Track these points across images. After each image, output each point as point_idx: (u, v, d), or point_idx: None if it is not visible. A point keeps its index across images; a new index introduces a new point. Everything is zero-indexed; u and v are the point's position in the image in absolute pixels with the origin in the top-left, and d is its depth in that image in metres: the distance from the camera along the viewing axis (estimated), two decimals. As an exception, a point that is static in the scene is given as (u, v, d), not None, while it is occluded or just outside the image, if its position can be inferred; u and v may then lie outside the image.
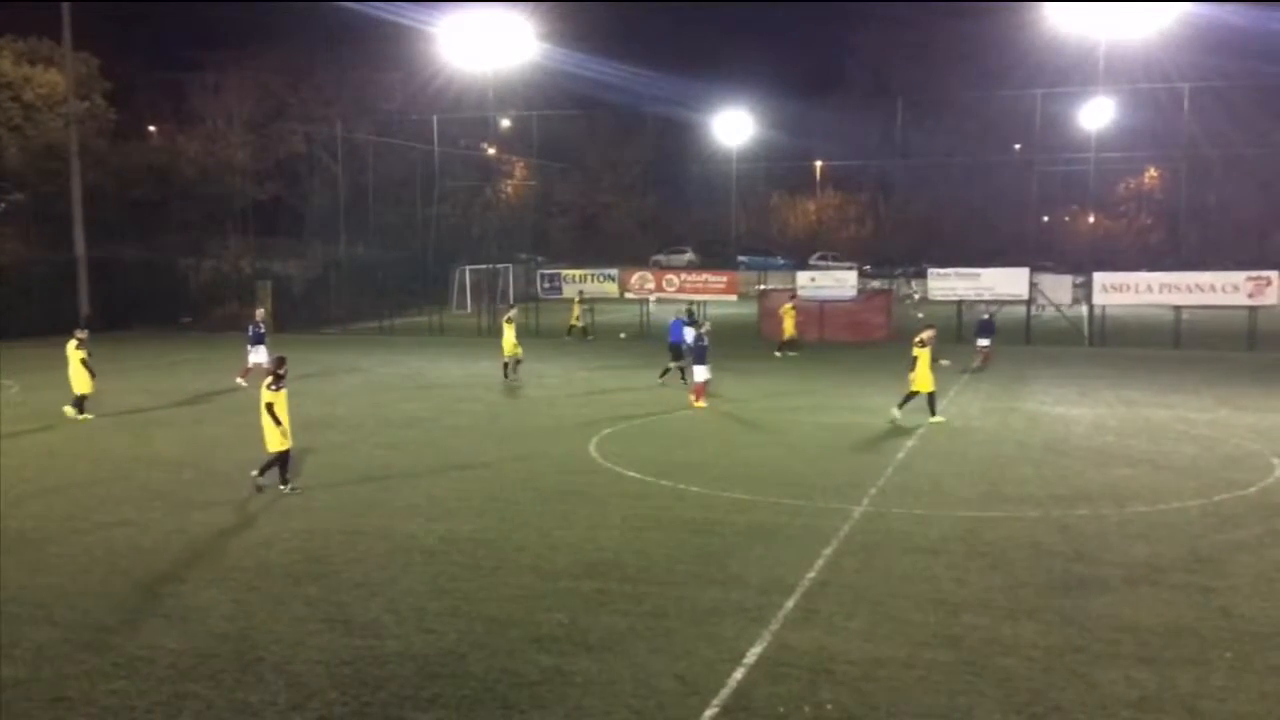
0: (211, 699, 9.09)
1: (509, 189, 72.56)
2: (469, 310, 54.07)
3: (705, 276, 46.54)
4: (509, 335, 29.35)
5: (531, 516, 14.85)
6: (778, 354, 35.47)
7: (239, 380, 28.12)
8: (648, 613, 10.95)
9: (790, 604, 11.18)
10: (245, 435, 21.27)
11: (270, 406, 15.92)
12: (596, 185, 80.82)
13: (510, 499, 15.92)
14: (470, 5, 46.08)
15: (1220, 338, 38.13)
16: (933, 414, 22.05)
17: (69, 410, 23.01)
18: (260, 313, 30.12)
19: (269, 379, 16.22)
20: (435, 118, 52.11)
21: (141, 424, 22.67)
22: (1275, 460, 18.28)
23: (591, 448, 19.65)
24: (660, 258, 71.89)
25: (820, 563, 12.57)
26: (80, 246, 48.10)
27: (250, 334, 28.61)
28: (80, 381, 22.95)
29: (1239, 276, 38.01)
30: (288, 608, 11.20)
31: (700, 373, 24.70)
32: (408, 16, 55.31)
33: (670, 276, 46.57)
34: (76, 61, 51.16)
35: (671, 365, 28.50)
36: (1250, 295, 37.19)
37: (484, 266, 54.82)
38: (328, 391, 27.72)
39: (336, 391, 27.78)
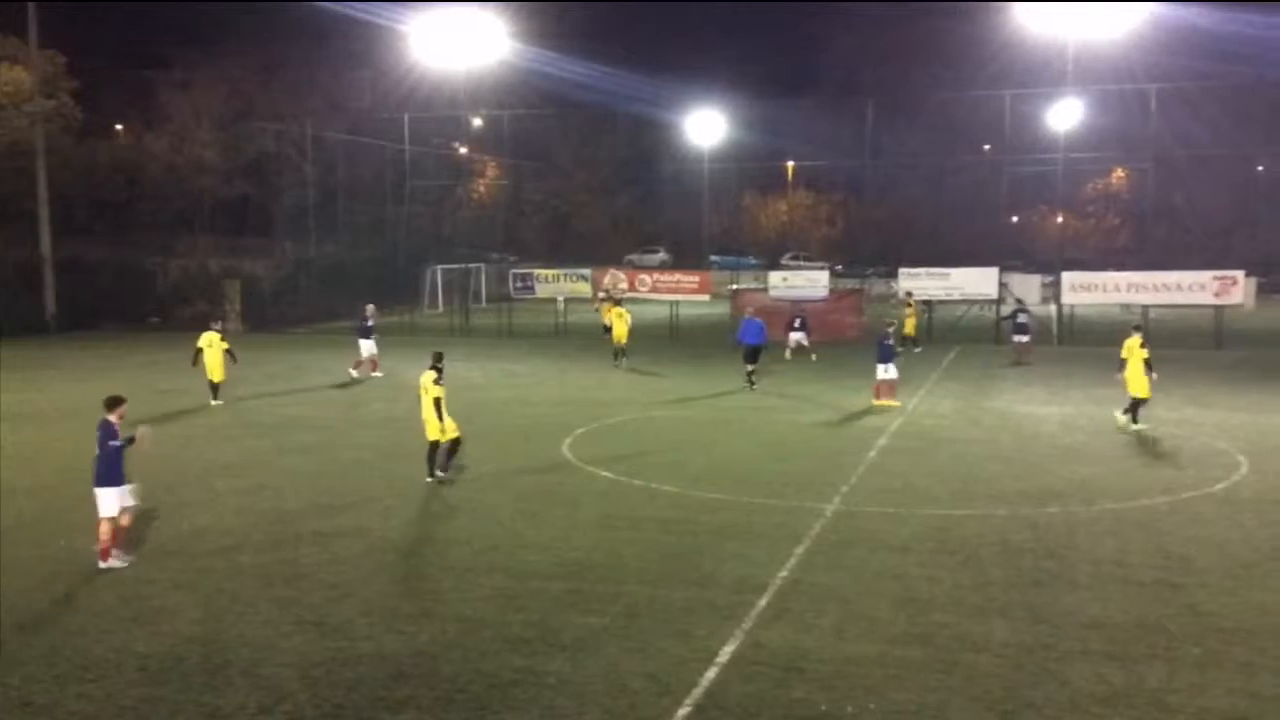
0: (181, 702, 9.02)
1: (481, 188, 72.31)
2: (440, 310, 53.86)
3: (678, 276, 46.52)
4: (619, 325, 32.28)
5: (504, 517, 14.82)
6: (916, 350, 36.13)
7: (352, 372, 29.63)
8: (620, 612, 10.96)
9: (762, 603, 11.21)
10: (215, 435, 21.17)
11: (437, 401, 16.37)
12: (569, 184, 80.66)
13: (483, 499, 15.87)
14: (441, 4, 45.87)
15: (1187, 336, 38.49)
16: (1134, 420, 21.16)
17: (214, 401, 24.79)
18: (370, 308, 30.56)
19: (434, 374, 16.46)
20: (406, 116, 51.87)
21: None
22: (1241, 458, 18.49)
23: (565, 448, 19.63)
24: (633, 257, 71.85)
25: (792, 561, 12.61)
26: (46, 246, 47.56)
27: (359, 328, 30.05)
28: (219, 369, 24.82)
29: (1206, 276, 38.39)
30: (258, 610, 11.13)
31: (889, 371, 24.29)
32: (378, 15, 55.03)
33: (643, 276, 46.54)
34: (42, 59, 50.56)
35: (750, 367, 27.39)
36: (1217, 294, 37.57)
37: (456, 266, 54.62)
38: (299, 392, 27.56)
39: (308, 392, 27.61)
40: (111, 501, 12.49)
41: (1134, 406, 21.10)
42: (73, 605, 11.31)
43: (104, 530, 12.50)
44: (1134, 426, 20.97)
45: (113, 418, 12.83)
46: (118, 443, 12.58)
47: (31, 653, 10.05)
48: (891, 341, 24.77)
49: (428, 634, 10.42)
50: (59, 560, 12.85)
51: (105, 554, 12.51)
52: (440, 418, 16.47)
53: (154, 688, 9.30)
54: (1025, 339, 33.67)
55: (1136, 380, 21.01)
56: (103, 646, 10.19)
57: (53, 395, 26.83)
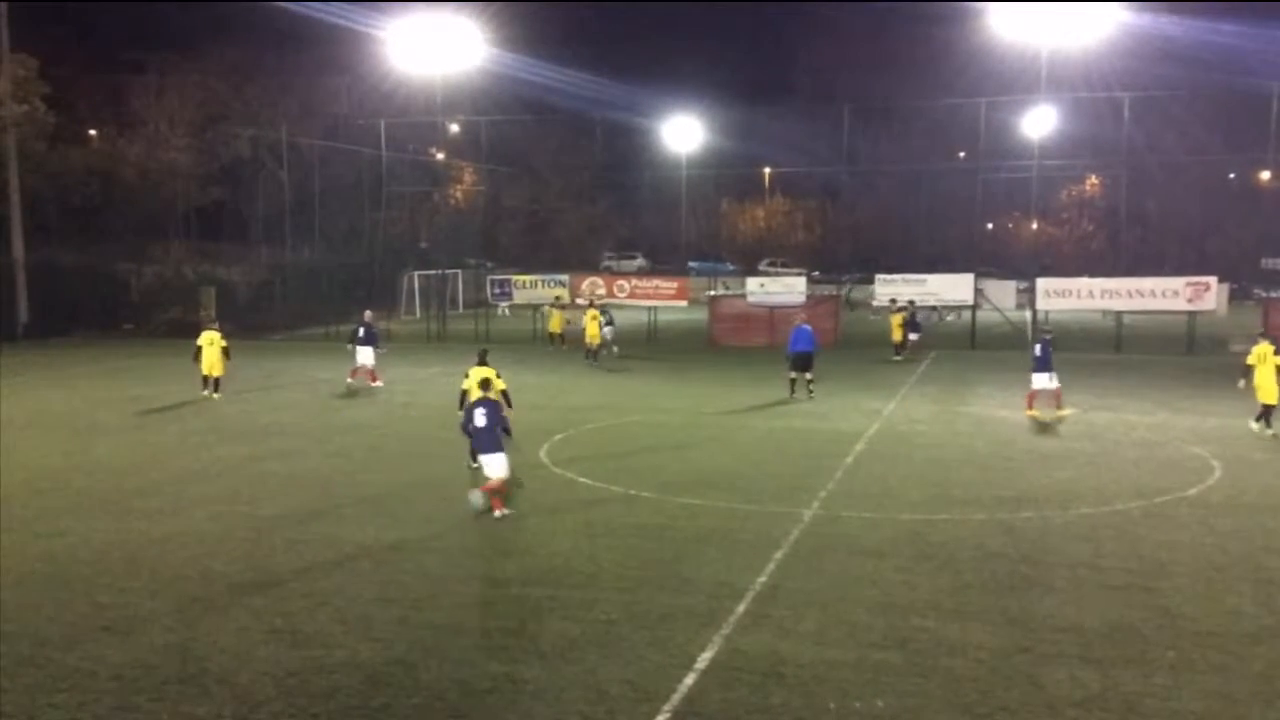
0: (155, 712, 8.93)
1: (458, 194, 72.13)
2: (417, 316, 53.71)
3: (656, 282, 46.61)
4: (593, 327, 35.27)
5: (481, 523, 14.76)
6: (895, 358, 35.47)
7: (374, 383, 28.73)
8: (598, 619, 10.93)
9: (741, 608, 11.21)
10: (188, 442, 21.01)
11: (505, 393, 17.45)
12: (546, 190, 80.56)
13: (459, 505, 15.81)
14: (417, 8, 45.78)
15: (1160, 342, 38.83)
16: (1267, 426, 20.86)
17: (211, 395, 26.61)
18: (368, 314, 29.95)
19: (491, 368, 17.53)
20: (382, 122, 51.71)
21: (82, 431, 22.26)
22: (1215, 462, 18.64)
23: (542, 454, 19.58)
24: (611, 263, 71.88)
25: (770, 566, 12.62)
26: (19, 251, 47.18)
27: (362, 335, 28.91)
28: (218, 365, 26.66)
29: (1178, 282, 38.79)
30: (232, 618, 11.04)
31: (1052, 379, 23.36)
32: (354, 20, 54.83)
33: (621, 282, 46.59)
34: (14, 63, 50.12)
35: (794, 376, 26.48)
36: (1189, 300, 37.96)
37: (433, 272, 54.47)
38: (273, 398, 27.41)
39: (282, 398, 27.47)
40: (504, 462, 15.16)
41: (1266, 413, 20.90)
42: (44, 614, 11.18)
43: (496, 487, 15.08)
44: (1268, 432, 20.76)
45: (494, 396, 15.75)
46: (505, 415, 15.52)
47: (2, 663, 9.93)
48: (1040, 352, 23.59)
49: (404, 642, 10.36)
50: (28, 570, 12.71)
51: (497, 505, 15.04)
52: (509, 405, 17.43)
53: (128, 697, 9.20)
54: (915, 337, 36.29)
55: (1267, 387, 20.80)
56: (75, 656, 10.08)
57: (21, 402, 26.54)
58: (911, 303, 37.78)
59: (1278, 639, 10.42)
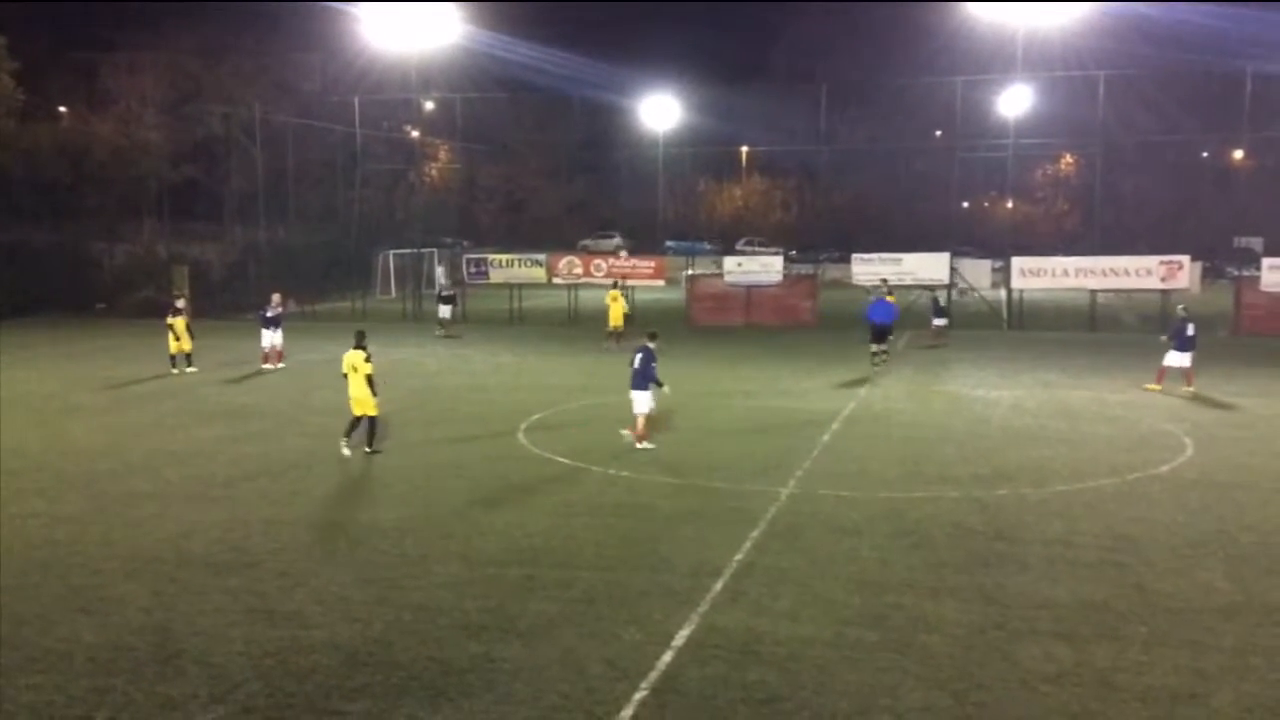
0: (131, 693, 8.90)
1: (433, 172, 71.68)
2: (393, 295, 53.45)
3: (633, 261, 46.53)
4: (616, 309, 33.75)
5: (458, 503, 14.75)
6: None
7: (265, 366, 28.88)
8: (576, 598, 10.96)
9: (718, 586, 11.26)
10: (163, 423, 20.88)
11: (370, 377, 17.56)
12: (523, 169, 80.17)
13: (437, 486, 15.79)
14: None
15: (1134, 320, 39.11)
16: None
17: (187, 369, 27.79)
18: (276, 297, 30.02)
19: (363, 352, 17.74)
20: (356, 99, 51.25)
21: (55, 413, 22.07)
22: (1187, 440, 18.82)
23: (520, 434, 19.58)
24: (588, 242, 71.69)
25: (747, 545, 12.68)
26: (-12, 231, 46.59)
27: (263, 317, 29.34)
28: (187, 342, 28.01)
29: (1152, 260, 39.02)
30: (209, 599, 11.00)
31: (1179, 359, 23.71)
32: (328, -5, 54.28)
33: (598, 261, 46.47)
34: (-18, 40, 49.48)
35: (874, 348, 27.70)
36: (1163, 279, 38.21)
37: (408, 251, 54.19)
38: (248, 379, 27.25)
39: (257, 379, 27.31)
40: (646, 400, 17.90)
41: None
42: (20, 596, 11.11)
43: (640, 423, 17.94)
44: None
45: (652, 345, 18.18)
46: (655, 365, 17.99)
47: (-24, 645, 9.87)
48: (1192, 332, 23.87)
49: (382, 622, 10.36)
50: (2, 551, 12.61)
51: (641, 438, 17.96)
52: (374, 393, 17.62)
53: (104, 678, 9.17)
54: (942, 323, 35.15)
55: None
56: (51, 637, 10.03)
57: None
58: (931, 288, 37.65)
59: (1248, 614, 10.56)
